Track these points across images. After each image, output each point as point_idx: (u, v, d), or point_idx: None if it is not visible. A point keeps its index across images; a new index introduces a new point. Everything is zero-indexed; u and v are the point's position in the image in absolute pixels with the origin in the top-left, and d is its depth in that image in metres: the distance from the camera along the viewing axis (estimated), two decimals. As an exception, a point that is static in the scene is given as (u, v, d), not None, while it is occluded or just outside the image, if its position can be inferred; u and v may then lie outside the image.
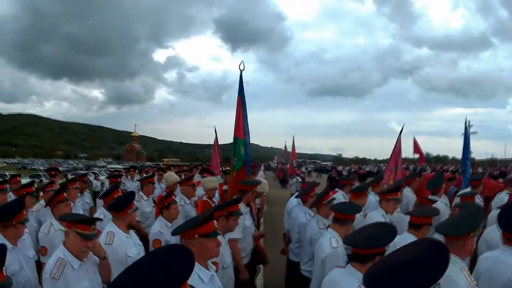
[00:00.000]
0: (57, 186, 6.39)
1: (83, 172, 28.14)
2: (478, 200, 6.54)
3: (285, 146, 33.61)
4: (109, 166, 57.81)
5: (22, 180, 9.24)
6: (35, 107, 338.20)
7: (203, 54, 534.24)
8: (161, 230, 4.46)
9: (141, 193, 6.69)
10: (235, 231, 4.17)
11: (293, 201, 6.21)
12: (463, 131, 9.50)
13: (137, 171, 13.33)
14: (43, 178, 22.87)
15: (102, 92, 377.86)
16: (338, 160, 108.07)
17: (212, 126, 11.49)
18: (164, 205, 4.72)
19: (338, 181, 10.34)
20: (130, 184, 10.23)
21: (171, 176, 7.66)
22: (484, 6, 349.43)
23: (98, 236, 3.37)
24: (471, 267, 3.50)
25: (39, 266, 3.94)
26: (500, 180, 11.32)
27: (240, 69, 5.74)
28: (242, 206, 4.64)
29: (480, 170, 24.87)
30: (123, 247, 3.69)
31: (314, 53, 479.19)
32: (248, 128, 5.84)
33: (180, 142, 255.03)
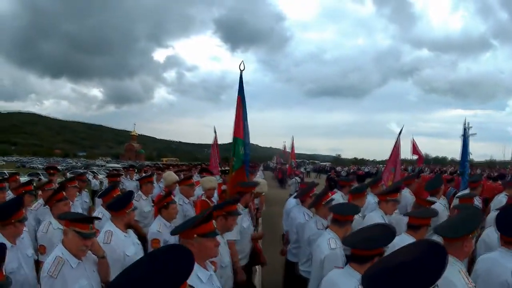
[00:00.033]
0: (56, 185, 6.39)
1: (81, 171, 28.14)
2: (477, 202, 6.56)
3: (284, 146, 33.74)
4: (108, 165, 57.74)
5: (21, 178, 9.23)
6: (34, 105, 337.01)
7: (202, 53, 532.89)
8: (160, 230, 4.46)
9: (140, 192, 6.69)
10: (232, 233, 4.18)
11: (292, 201, 6.21)
12: (462, 133, 9.53)
13: (136, 170, 13.32)
14: (42, 177, 22.84)
15: (101, 91, 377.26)
16: (337, 160, 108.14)
17: (211, 126, 11.50)
18: (163, 205, 4.71)
19: (337, 181, 10.34)
20: (129, 183, 10.22)
21: (170, 175, 7.65)
22: (484, 8, 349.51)
23: (96, 235, 3.37)
24: (469, 268, 3.52)
25: (38, 265, 3.94)
26: (499, 182, 11.34)
27: (240, 69, 5.74)
28: (240, 208, 4.63)
29: (478, 171, 24.93)
30: (121, 246, 3.68)
31: (313, 53, 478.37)
32: (248, 128, 5.84)
33: (179, 142, 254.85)
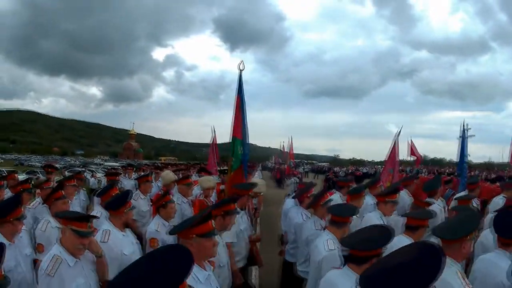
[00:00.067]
0: (54, 183, 6.39)
1: (79, 169, 28.12)
2: (475, 203, 6.57)
3: (283, 146, 33.78)
4: (106, 163, 57.74)
5: (19, 176, 9.22)
6: (33, 103, 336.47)
7: (202, 53, 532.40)
8: (158, 229, 4.46)
9: (138, 191, 6.69)
10: (229, 235, 4.18)
11: (290, 201, 6.21)
12: (460, 134, 9.55)
13: (134, 169, 13.33)
14: (40, 175, 22.81)
15: (100, 89, 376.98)
16: (335, 161, 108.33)
17: (210, 125, 11.50)
18: (161, 204, 4.71)
19: (335, 182, 10.35)
20: (127, 182, 10.23)
21: (168, 174, 7.66)
22: (484, 10, 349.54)
23: (94, 233, 3.37)
24: (465, 269, 3.53)
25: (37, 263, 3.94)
26: (497, 184, 11.37)
27: (240, 69, 5.73)
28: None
29: (477, 172, 25.00)
30: (119, 245, 3.69)
31: (313, 54, 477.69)
32: (246, 128, 5.84)
33: (178, 141, 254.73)
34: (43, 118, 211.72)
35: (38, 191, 6.29)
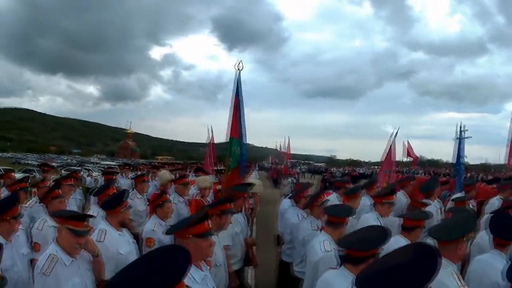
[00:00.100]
0: (50, 182, 6.37)
1: (76, 168, 28.06)
2: (471, 205, 6.58)
3: (280, 146, 33.77)
4: (102, 162, 57.62)
5: (16, 175, 9.19)
6: (31, 101, 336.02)
7: (199, 52, 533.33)
8: (155, 229, 4.44)
9: (134, 191, 6.68)
10: (225, 238, 4.18)
11: (286, 202, 6.21)
12: (457, 135, 9.56)
13: (131, 168, 13.31)
14: (36, 174, 22.75)
15: (97, 88, 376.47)
16: (332, 161, 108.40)
17: (207, 125, 11.50)
18: (158, 204, 4.71)
19: (332, 182, 10.35)
20: (124, 181, 10.21)
21: (165, 174, 7.68)
22: (482, 12, 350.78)
23: (90, 233, 3.36)
24: (461, 270, 3.55)
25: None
26: (494, 185, 11.38)
27: (238, 69, 5.70)
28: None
29: (471, 174, 25.05)
30: (115, 244, 3.69)
31: (310, 54, 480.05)
32: (244, 128, 5.82)
33: (175, 140, 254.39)
34: (40, 116, 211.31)
35: (34, 190, 6.27)
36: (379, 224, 4.36)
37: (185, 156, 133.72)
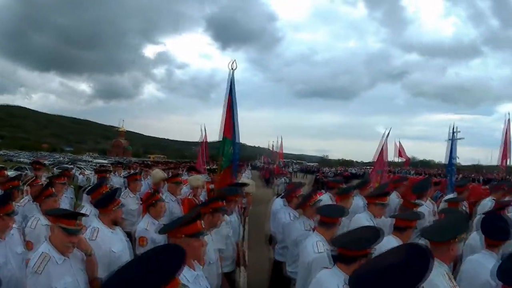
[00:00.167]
0: (44, 180, 6.33)
1: (68, 166, 27.93)
2: (464, 206, 6.62)
3: (272, 145, 33.82)
4: (94, 160, 57.41)
5: (8, 173, 9.13)
6: (24, 99, 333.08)
7: (193, 51, 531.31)
8: (148, 228, 4.44)
9: (127, 189, 6.66)
10: (217, 242, 4.17)
11: (279, 201, 6.21)
12: (450, 136, 9.63)
13: (123, 166, 13.26)
14: (28, 171, 22.62)
15: (90, 86, 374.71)
16: (324, 161, 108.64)
17: (200, 124, 11.49)
18: (151, 203, 4.71)
19: (324, 182, 10.37)
20: (117, 179, 10.17)
21: (158, 173, 7.67)
22: (476, 15, 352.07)
23: (83, 231, 3.35)
24: (453, 270, 3.58)
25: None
26: (486, 186, 11.48)
27: (232, 68, 5.70)
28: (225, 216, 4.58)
29: (466, 174, 25.21)
30: (107, 242, 3.68)
31: (304, 54, 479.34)
32: (237, 128, 5.82)
33: (167, 139, 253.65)
34: (32, 113, 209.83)
35: (26, 188, 6.23)
36: (372, 225, 4.37)
37: (178, 155, 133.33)
